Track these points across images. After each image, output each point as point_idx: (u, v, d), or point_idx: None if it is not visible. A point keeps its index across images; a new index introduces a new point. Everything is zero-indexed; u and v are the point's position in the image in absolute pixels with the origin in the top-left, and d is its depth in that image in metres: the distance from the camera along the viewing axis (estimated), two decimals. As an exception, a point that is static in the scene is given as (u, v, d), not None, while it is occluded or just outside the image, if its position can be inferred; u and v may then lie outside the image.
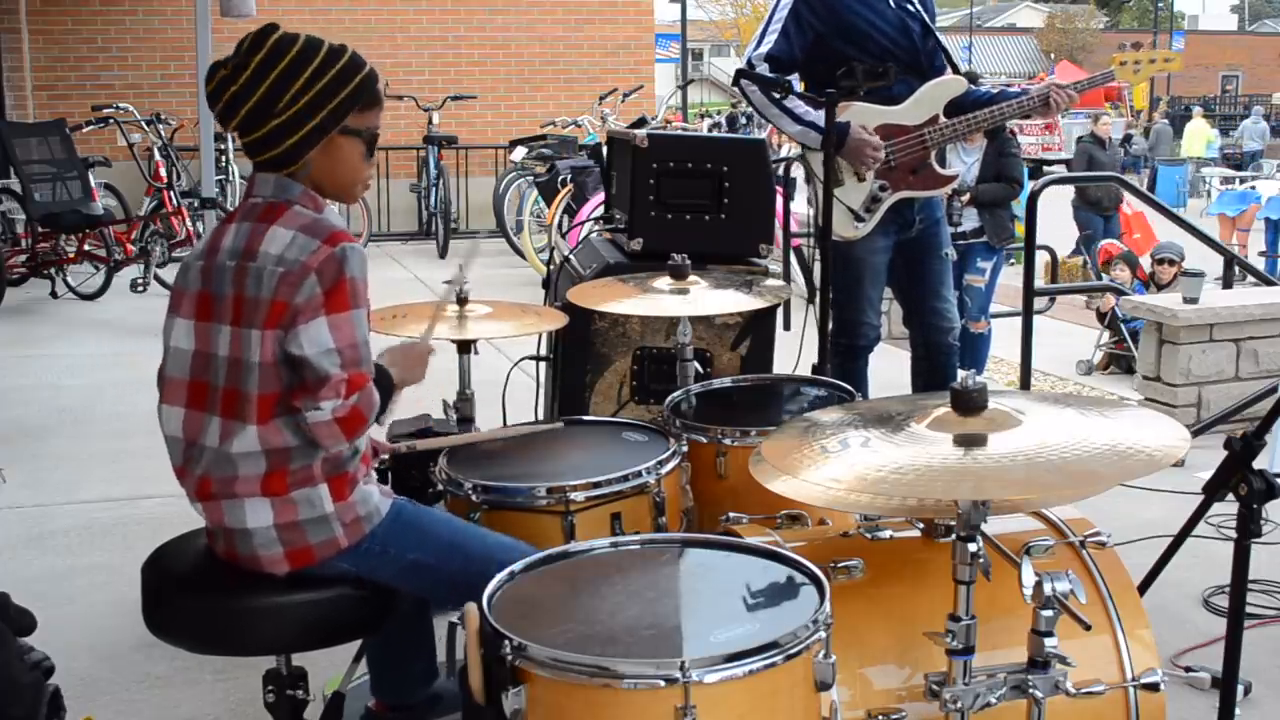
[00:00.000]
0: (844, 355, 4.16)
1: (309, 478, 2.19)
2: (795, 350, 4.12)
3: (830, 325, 4.12)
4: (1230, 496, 2.13)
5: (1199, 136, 22.11)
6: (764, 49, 3.94)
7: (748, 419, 2.88)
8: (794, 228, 8.20)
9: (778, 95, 3.88)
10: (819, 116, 3.84)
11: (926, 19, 3.99)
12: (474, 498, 2.46)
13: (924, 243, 4.13)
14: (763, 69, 3.89)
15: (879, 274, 4.12)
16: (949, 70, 4.06)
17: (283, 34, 2.20)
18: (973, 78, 4.95)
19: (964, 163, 6.90)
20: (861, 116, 3.92)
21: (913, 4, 3.97)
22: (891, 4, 3.93)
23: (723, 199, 3.74)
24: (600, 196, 5.77)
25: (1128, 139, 20.51)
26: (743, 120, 23.60)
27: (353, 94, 2.19)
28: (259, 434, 2.14)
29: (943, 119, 3.95)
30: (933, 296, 4.19)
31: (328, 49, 2.19)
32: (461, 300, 3.00)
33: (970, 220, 6.91)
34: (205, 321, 2.21)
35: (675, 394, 2.99)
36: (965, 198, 6.78)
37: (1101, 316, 8.66)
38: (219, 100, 2.19)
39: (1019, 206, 7.13)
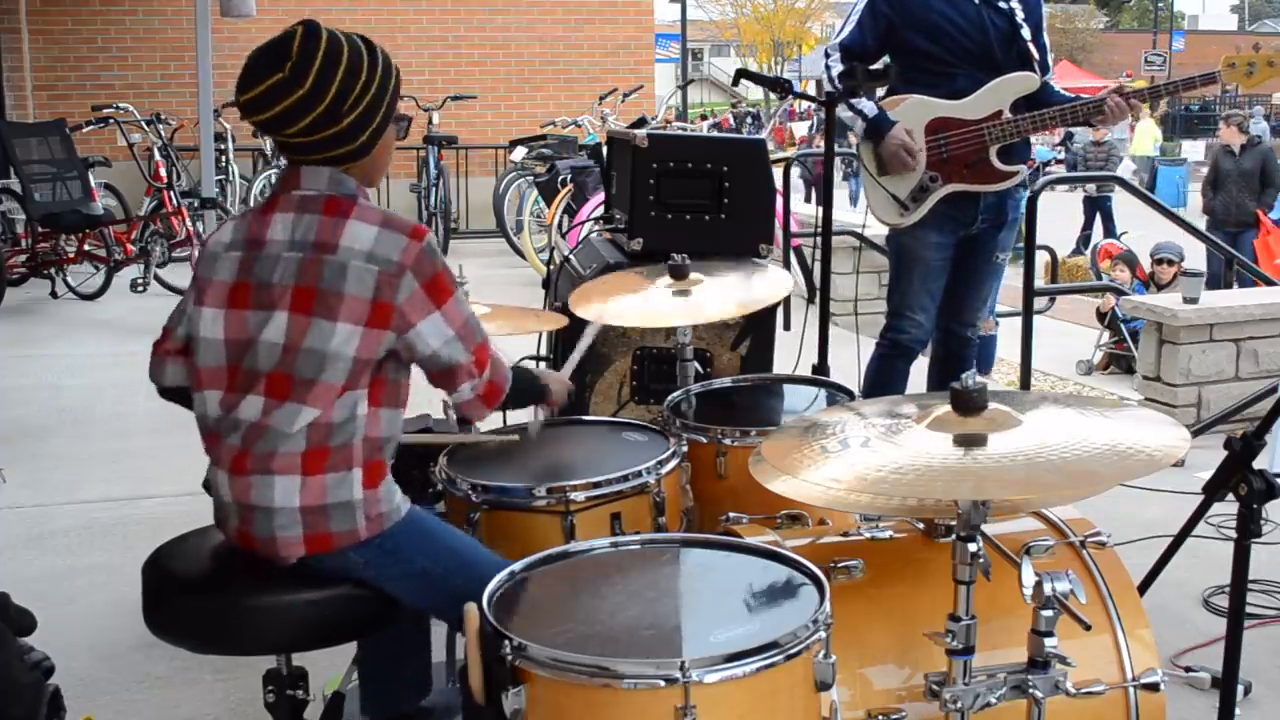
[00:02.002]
0: (885, 351, 4.16)
1: (347, 459, 2.17)
2: (795, 350, 4.12)
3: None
4: (1230, 496, 2.13)
5: (1146, 136, 22.98)
6: (839, 39, 4.04)
7: (748, 419, 2.88)
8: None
9: (777, 94, 3.93)
10: (869, 107, 3.95)
11: (1019, 18, 3.97)
12: (474, 497, 2.46)
13: (981, 241, 4.13)
14: (836, 58, 3.97)
15: (931, 271, 4.09)
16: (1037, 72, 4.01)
17: (328, 31, 2.22)
18: None
19: None
20: (918, 108, 3.95)
21: (1007, 2, 3.97)
22: (976, 0, 3.95)
23: (723, 199, 3.74)
24: (600, 196, 5.77)
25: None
26: (749, 120, 23.63)
27: (398, 82, 2.30)
28: (313, 416, 2.14)
29: (1007, 114, 3.95)
30: (970, 295, 4.20)
31: (366, 43, 2.26)
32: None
33: None
34: (241, 309, 2.20)
35: (675, 394, 2.98)
36: None
37: (1101, 316, 8.67)
38: (275, 104, 2.16)
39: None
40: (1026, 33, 3.99)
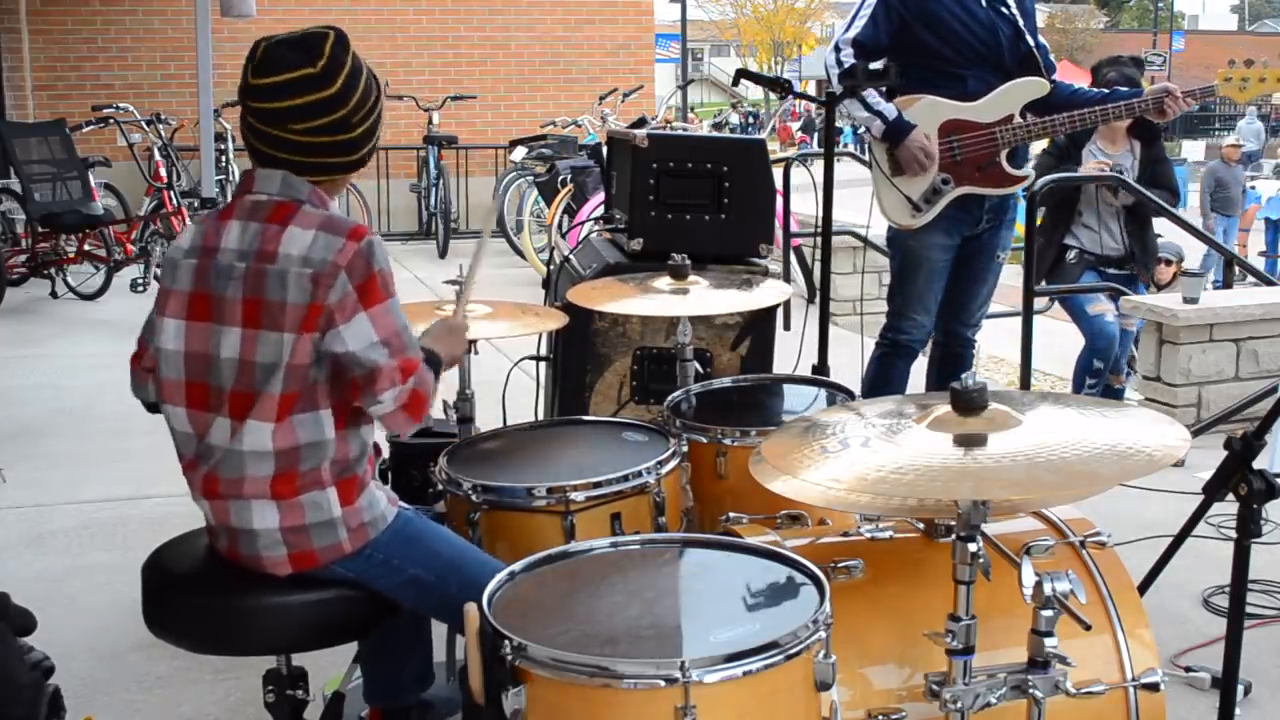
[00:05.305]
0: (885, 352, 4.18)
1: (317, 481, 2.19)
2: (795, 350, 4.12)
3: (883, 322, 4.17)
4: (1230, 496, 2.13)
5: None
6: (851, 34, 4.01)
7: (748, 419, 2.88)
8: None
9: (777, 94, 3.93)
10: (888, 109, 3.95)
11: (1021, 24, 4.01)
12: (474, 498, 2.46)
13: (984, 242, 4.16)
14: (848, 53, 3.96)
15: (935, 272, 4.12)
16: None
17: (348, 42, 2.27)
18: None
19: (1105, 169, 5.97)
20: (932, 109, 3.96)
21: (1008, 7, 4.00)
22: (984, 3, 3.97)
23: (723, 199, 3.74)
24: (600, 196, 5.77)
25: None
26: (752, 120, 23.64)
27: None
28: (273, 432, 2.14)
29: (1018, 119, 3.98)
30: (973, 295, 4.23)
31: (370, 68, 2.32)
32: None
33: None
34: (201, 322, 2.20)
35: (675, 394, 2.99)
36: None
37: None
38: (297, 96, 2.17)
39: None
40: (1029, 37, 4.02)
